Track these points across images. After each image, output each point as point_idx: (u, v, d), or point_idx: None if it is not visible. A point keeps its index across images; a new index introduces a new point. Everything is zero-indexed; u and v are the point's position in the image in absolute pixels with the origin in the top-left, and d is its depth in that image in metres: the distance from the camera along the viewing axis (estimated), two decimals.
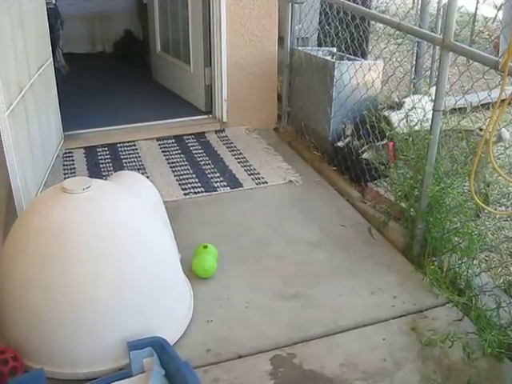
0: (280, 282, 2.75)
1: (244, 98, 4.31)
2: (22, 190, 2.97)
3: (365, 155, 3.54)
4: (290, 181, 3.67)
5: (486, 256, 3.00)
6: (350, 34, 3.90)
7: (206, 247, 2.83)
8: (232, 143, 4.20)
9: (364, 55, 4.46)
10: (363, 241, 3.07)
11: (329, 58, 4.02)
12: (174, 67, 4.85)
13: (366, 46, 4.63)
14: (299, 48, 4.15)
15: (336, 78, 3.66)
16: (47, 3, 4.38)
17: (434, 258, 2.81)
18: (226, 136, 4.31)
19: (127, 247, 2.23)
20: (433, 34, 2.68)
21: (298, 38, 4.29)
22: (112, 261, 2.19)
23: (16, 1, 3.13)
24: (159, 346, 2.13)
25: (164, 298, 2.33)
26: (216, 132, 4.36)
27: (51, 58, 3.81)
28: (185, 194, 3.51)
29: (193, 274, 2.76)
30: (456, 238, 2.77)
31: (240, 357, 2.29)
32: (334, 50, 4.16)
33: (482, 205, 2.61)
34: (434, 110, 2.69)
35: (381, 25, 3.96)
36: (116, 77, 5.43)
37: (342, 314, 2.51)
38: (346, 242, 3.06)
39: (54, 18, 4.54)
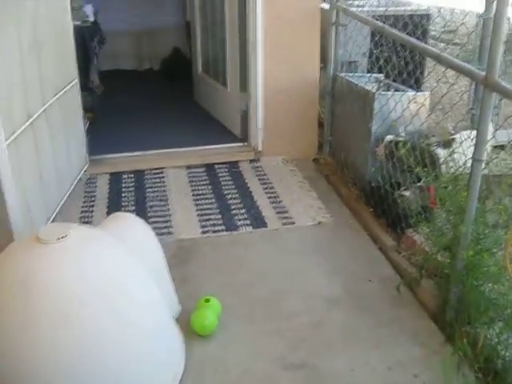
0: (286, 347, 2.42)
1: (281, 125, 4.01)
2: (23, 217, 2.81)
3: (405, 194, 3.14)
4: (320, 222, 3.32)
5: None
6: (404, 59, 3.53)
7: (207, 301, 2.55)
8: (265, 175, 3.90)
9: (418, 84, 4.05)
10: (390, 300, 2.69)
11: (373, 86, 3.66)
12: (212, 90, 4.62)
13: (422, 74, 4.21)
14: (342, 74, 3.79)
15: (375, 110, 3.29)
16: (84, 21, 4.29)
17: (470, 329, 2.40)
18: (260, 166, 4.02)
19: (95, 309, 1.98)
20: (475, 69, 2.28)
21: (342, 63, 3.94)
22: (77, 323, 1.94)
23: (29, 24, 2.97)
24: None
25: (138, 367, 2.06)
26: (250, 161, 4.08)
27: (77, 80, 3.65)
28: (203, 233, 3.24)
29: (191, 330, 2.48)
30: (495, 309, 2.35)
31: None
32: (382, 77, 3.78)
33: None
34: (473, 158, 2.29)
35: None
36: (157, 96, 5.25)
37: None
38: (369, 301, 2.69)
39: (90, 36, 4.41)
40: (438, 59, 2.53)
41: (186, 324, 2.48)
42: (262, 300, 2.71)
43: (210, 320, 2.49)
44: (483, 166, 2.29)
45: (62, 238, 2.04)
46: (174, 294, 2.58)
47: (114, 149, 4.10)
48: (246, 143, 4.14)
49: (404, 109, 3.26)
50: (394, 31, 3.04)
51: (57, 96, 3.32)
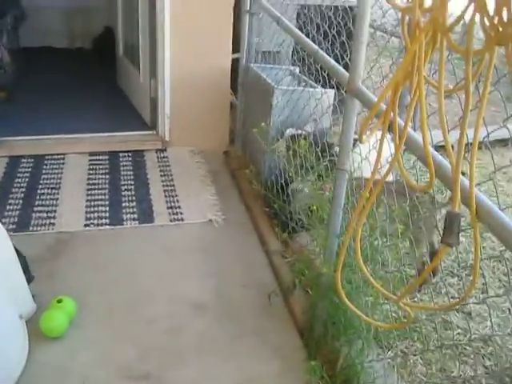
0: (136, 356, 2.28)
1: (191, 115, 3.83)
2: None
3: (294, 186, 2.98)
4: (210, 220, 3.17)
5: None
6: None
7: (60, 301, 2.40)
8: (169, 166, 3.73)
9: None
10: (259, 310, 2.56)
11: (284, 79, 3.50)
12: (130, 74, 4.41)
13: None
14: (253, 65, 3.63)
15: (273, 105, 3.14)
16: None
17: (333, 348, 2.28)
18: (166, 157, 3.85)
19: None
20: (343, 71, 2.12)
21: (258, 53, 3.76)
22: None
23: None
24: None
25: None
26: (157, 151, 3.90)
27: None
28: (85, 225, 3.07)
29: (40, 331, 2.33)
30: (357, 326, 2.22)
31: None
32: (297, 70, 3.62)
33: (382, 290, 2.04)
34: (336, 168, 2.16)
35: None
36: (81, 77, 5.00)
37: None
38: (237, 309, 2.56)
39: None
40: (316, 57, 2.38)
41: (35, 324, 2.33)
42: (126, 302, 2.56)
43: (59, 322, 2.34)
44: (347, 175, 2.16)
45: None
46: (26, 291, 2.42)
47: (22, 131, 3.88)
48: (153, 131, 3.96)
49: (305, 105, 3.12)
50: (290, 25, 2.87)
51: None
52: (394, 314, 2.13)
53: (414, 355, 2.34)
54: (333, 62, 2.26)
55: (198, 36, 3.63)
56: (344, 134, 2.08)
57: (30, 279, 2.48)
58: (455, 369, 2.32)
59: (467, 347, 2.46)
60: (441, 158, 1.46)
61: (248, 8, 3.56)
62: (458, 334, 2.52)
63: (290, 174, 2.99)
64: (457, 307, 1.71)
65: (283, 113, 3.20)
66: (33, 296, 2.45)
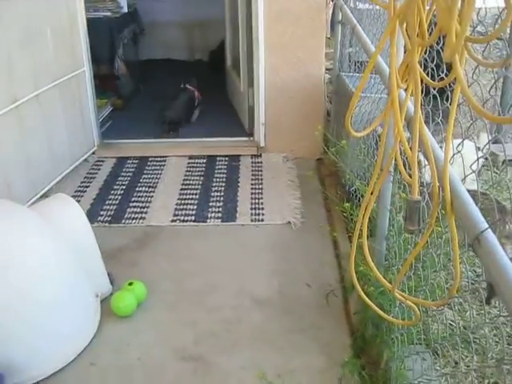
0: (192, 340, 2.43)
1: (285, 123, 3.96)
2: (1, 194, 3.03)
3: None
4: (289, 222, 3.27)
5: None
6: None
7: (130, 284, 2.62)
8: (261, 171, 3.88)
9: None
10: (317, 307, 2.61)
11: (372, 87, 3.51)
12: (234, 83, 4.64)
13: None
14: (342, 73, 3.68)
15: (353, 112, 3.16)
16: (114, 12, 4.48)
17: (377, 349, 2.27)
18: (260, 162, 4.00)
19: None
20: None
21: (353, 62, 3.80)
22: None
23: (22, 22, 3.19)
24: None
25: (29, 334, 2.19)
26: (252, 156, 4.07)
27: (84, 68, 3.82)
28: (172, 221, 3.30)
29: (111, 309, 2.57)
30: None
31: None
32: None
33: (380, 276, 2.01)
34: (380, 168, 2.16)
35: None
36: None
37: None
38: (296, 306, 2.62)
39: (118, 26, 4.58)
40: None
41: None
42: (194, 291, 2.73)
43: (126, 303, 2.56)
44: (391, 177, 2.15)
45: None
46: (103, 274, 2.67)
47: (131, 134, 4.26)
48: (251, 138, 4.13)
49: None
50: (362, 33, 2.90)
51: (54, 83, 3.50)
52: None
53: (468, 366, 2.26)
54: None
55: (291, 47, 3.76)
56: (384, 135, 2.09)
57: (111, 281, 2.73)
58: None
59: None
60: None
61: (340, 19, 3.63)
62: None
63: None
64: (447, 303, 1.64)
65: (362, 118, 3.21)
66: (111, 280, 2.70)
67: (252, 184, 3.71)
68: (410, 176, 1.34)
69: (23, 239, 2.27)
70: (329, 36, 4.66)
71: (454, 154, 1.29)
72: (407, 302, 1.48)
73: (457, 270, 1.23)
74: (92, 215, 3.26)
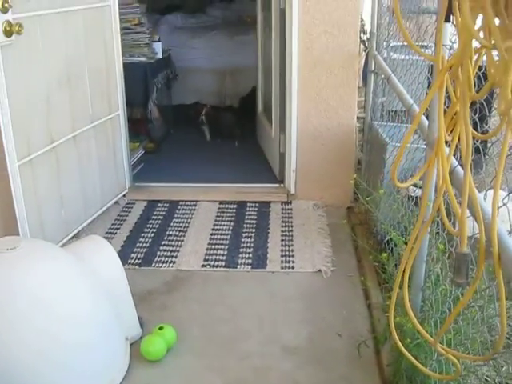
0: None
1: (316, 170, 3.98)
2: (35, 232, 3.09)
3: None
4: (319, 270, 3.24)
5: None
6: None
7: (161, 329, 2.61)
8: (291, 218, 3.88)
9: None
10: (348, 358, 2.56)
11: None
12: (265, 129, 4.70)
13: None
14: (375, 122, 3.70)
15: (386, 161, 3.18)
16: (149, 58, 4.60)
17: None
18: (291, 209, 4.00)
19: (14, 317, 2.12)
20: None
21: (387, 112, 3.83)
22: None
23: (61, 63, 3.28)
24: None
25: (54, 377, 2.18)
26: (282, 203, 4.07)
27: (119, 112, 3.91)
28: (202, 266, 3.30)
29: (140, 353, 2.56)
30: None
31: None
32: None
33: (421, 329, 1.97)
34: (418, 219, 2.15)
35: None
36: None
37: None
38: (326, 356, 2.58)
39: (153, 71, 4.70)
40: (409, 112, 2.41)
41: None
42: (224, 337, 2.71)
43: (157, 347, 2.54)
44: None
45: (13, 248, 2.22)
46: (134, 319, 2.66)
47: (162, 178, 4.32)
48: (281, 185, 4.15)
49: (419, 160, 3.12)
50: (397, 82, 2.93)
51: (91, 125, 3.59)
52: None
53: None
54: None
55: (324, 95, 3.80)
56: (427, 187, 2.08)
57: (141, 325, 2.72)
58: None
59: None
60: None
61: (373, 68, 3.68)
62: None
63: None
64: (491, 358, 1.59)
65: (398, 168, 3.21)
66: (141, 324, 2.70)
67: (282, 231, 3.70)
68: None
69: (58, 281, 2.28)
70: (360, 85, 4.71)
71: (499, 207, 1.28)
72: (449, 356, 1.44)
73: (504, 325, 1.20)
74: (122, 257, 3.24)
